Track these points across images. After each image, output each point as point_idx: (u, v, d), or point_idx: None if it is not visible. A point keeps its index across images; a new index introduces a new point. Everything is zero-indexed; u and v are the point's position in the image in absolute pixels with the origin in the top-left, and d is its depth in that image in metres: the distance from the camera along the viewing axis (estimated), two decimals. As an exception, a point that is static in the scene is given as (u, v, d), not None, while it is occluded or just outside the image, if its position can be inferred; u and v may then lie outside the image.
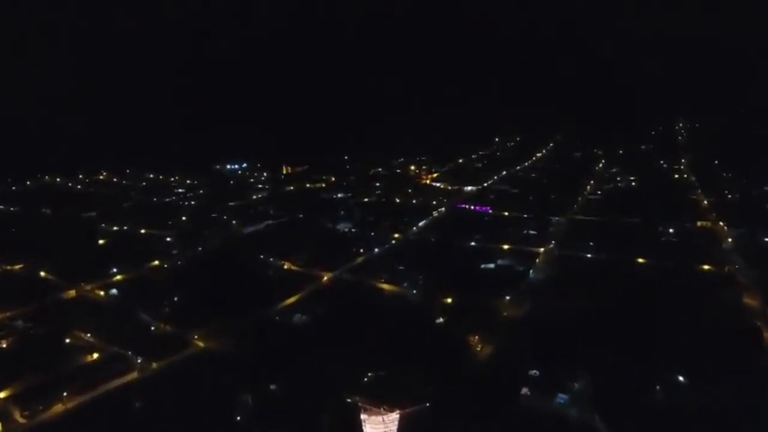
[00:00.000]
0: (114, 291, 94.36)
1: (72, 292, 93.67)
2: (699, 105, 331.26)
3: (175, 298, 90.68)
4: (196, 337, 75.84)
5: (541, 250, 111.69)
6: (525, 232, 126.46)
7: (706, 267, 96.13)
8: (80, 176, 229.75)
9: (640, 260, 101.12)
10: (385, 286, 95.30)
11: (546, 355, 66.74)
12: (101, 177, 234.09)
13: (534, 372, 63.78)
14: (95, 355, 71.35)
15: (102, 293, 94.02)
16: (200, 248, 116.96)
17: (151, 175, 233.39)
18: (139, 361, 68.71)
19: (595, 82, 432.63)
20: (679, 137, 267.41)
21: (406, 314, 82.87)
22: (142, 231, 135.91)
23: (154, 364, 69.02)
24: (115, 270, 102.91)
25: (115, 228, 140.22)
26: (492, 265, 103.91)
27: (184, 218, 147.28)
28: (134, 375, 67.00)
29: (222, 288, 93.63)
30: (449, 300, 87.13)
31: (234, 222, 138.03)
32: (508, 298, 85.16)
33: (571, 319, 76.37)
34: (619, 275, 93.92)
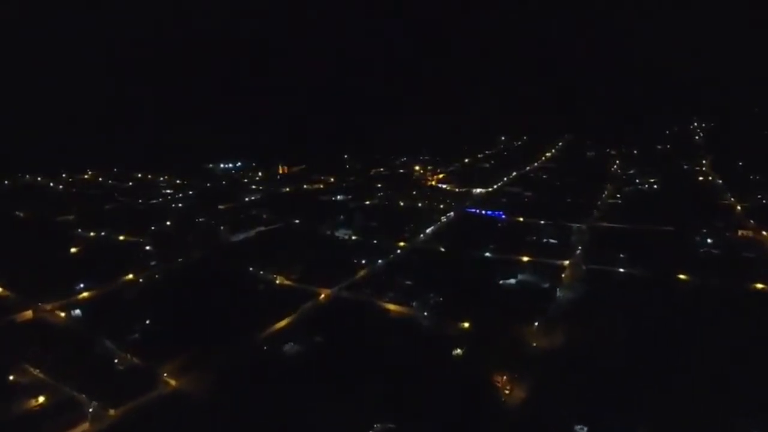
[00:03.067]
0: (77, 312, 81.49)
1: (28, 313, 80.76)
2: (712, 104, 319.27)
3: (147, 321, 78.00)
4: (165, 374, 63.05)
5: (566, 262, 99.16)
6: (544, 241, 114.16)
7: (759, 286, 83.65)
8: (63, 175, 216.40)
9: (682, 276, 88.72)
10: (391, 307, 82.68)
11: (593, 403, 54.25)
12: (86, 176, 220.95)
13: (581, 428, 51.23)
14: (40, 399, 58.53)
15: (63, 314, 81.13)
16: (180, 259, 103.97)
17: (139, 175, 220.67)
18: (91, 409, 55.86)
19: (603, 79, 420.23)
20: (696, 137, 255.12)
21: (416, 344, 70.30)
22: (121, 238, 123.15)
23: (112, 411, 56.36)
24: (82, 285, 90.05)
25: (91, 234, 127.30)
26: (512, 281, 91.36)
27: (168, 223, 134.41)
28: (85, 426, 54.36)
29: (202, 308, 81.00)
30: (466, 325, 74.81)
31: (222, 228, 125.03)
32: (536, 324, 72.56)
33: (615, 353, 64.25)
34: (661, 295, 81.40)
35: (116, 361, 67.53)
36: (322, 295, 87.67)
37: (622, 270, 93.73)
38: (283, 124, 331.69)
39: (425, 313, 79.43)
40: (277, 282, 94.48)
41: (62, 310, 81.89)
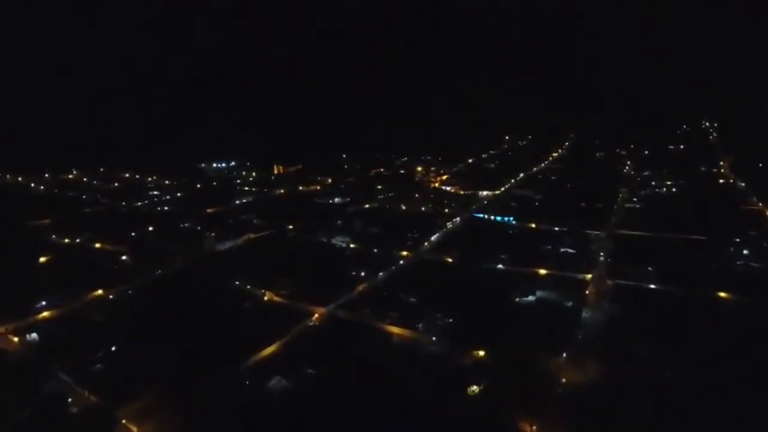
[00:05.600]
0: (34, 336, 70.92)
1: (-24, 337, 70.42)
2: (722, 103, 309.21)
3: (113, 348, 67.58)
4: (125, 420, 52.61)
5: (588, 276, 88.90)
6: (562, 250, 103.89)
7: (812, 306, 73.45)
8: (46, 175, 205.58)
9: (722, 294, 78.51)
10: (394, 330, 72.42)
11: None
12: (70, 176, 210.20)
13: None
14: (-31, 454, 48.29)
15: (16, 339, 70.58)
16: (159, 271, 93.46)
17: (127, 175, 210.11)
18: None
19: (607, 78, 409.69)
20: (710, 137, 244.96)
21: (425, 377, 60.06)
22: (97, 245, 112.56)
23: (54, 471, 46.07)
24: (44, 303, 79.56)
25: (66, 240, 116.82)
26: (531, 298, 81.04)
27: (150, 228, 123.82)
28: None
29: (178, 331, 70.61)
30: (482, 353, 64.60)
31: (208, 235, 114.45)
32: (565, 355, 62.29)
33: (664, 394, 54.07)
34: (701, 317, 71.16)
35: (70, 400, 57.04)
36: (316, 315, 77.38)
37: (652, 286, 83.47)
38: (280, 121, 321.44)
39: (433, 338, 69.28)
40: (266, 298, 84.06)
41: (16, 334, 71.32)
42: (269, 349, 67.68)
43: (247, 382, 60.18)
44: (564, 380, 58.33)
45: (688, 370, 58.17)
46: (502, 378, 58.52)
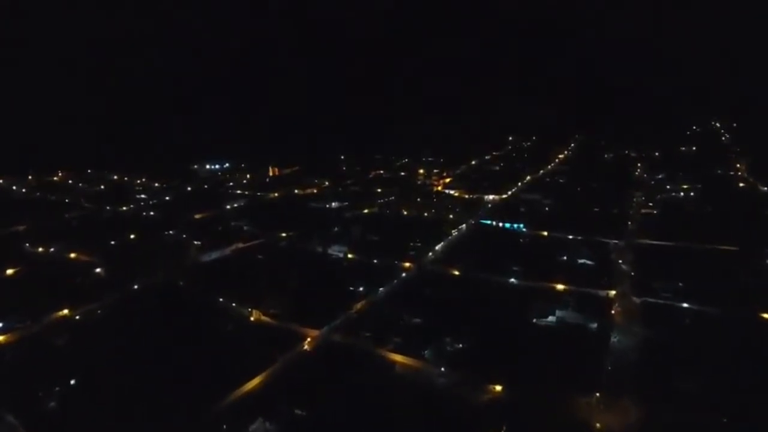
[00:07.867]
0: (-17, 365, 62.04)
1: None
2: (731, 103, 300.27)
3: (72, 381, 58.55)
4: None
5: (612, 293, 79.95)
6: (579, 261, 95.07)
7: None
8: (30, 177, 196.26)
9: (766, 315, 69.63)
10: (397, 358, 63.44)
11: None
12: (55, 178, 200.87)
13: None
14: None
15: (-38, 370, 61.61)
16: (135, 287, 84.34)
17: (115, 177, 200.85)
18: None
19: (612, 77, 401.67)
20: (723, 138, 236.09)
21: (432, 419, 51.12)
22: (72, 255, 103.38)
23: None
24: (1, 324, 70.45)
25: (39, 249, 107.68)
26: (551, 319, 72.06)
27: (132, 236, 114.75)
28: None
29: (148, 361, 61.63)
30: (499, 388, 55.67)
31: (194, 243, 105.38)
32: (597, 394, 53.25)
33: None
34: (749, 344, 62.07)
35: (12, 450, 48.10)
36: (308, 339, 68.38)
37: (685, 305, 74.56)
38: (277, 121, 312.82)
39: (441, 369, 60.33)
40: (252, 319, 75.01)
41: (-37, 363, 62.27)
42: (253, 382, 58.69)
43: (225, 427, 51.12)
44: (598, 425, 49.44)
45: (743, 410, 49.48)
46: (523, 420, 49.73)
